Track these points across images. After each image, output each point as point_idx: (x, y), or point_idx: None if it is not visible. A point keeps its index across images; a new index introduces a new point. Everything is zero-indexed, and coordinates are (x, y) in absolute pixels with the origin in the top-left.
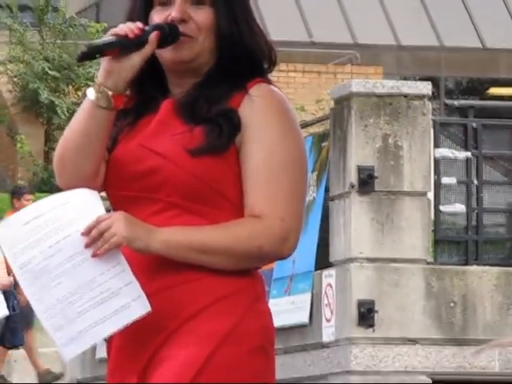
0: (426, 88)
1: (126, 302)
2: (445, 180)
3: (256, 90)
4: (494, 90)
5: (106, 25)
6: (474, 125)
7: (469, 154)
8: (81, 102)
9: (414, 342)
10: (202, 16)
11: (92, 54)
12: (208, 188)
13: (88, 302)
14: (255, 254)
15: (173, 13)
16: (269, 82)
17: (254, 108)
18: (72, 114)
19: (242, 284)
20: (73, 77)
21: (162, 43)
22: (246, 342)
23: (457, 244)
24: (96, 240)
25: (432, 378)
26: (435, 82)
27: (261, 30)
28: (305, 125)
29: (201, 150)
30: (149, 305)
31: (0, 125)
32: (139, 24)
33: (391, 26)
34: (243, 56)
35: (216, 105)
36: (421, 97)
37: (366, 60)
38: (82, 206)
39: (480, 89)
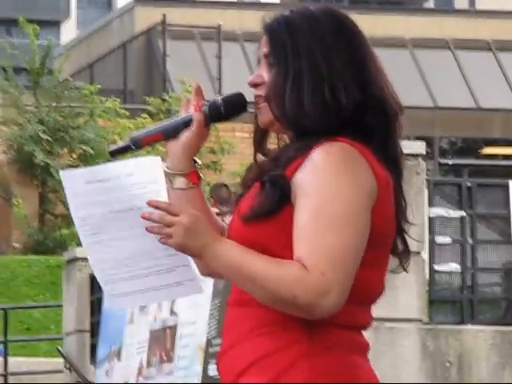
0: (419, 148)
1: (180, 279)
2: (439, 239)
3: (315, 151)
4: (488, 150)
5: (99, 86)
6: (469, 184)
7: (463, 213)
8: (75, 165)
9: None
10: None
11: (125, 147)
12: (261, 250)
13: (143, 269)
14: (289, 302)
15: (251, 77)
16: (342, 139)
17: (306, 167)
18: None
19: (285, 343)
20: (67, 139)
21: (215, 118)
22: None
23: (452, 303)
24: (155, 223)
25: None
26: (429, 141)
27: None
28: None
29: (245, 216)
30: (202, 288)
31: None
32: (200, 102)
33: None
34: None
35: (275, 169)
36: (415, 156)
37: None
38: (145, 182)
39: (474, 148)
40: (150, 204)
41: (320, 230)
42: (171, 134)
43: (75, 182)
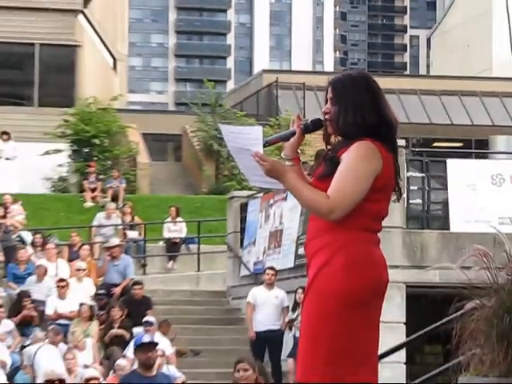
0: (401, 143)
1: (274, 181)
2: (412, 187)
3: (352, 145)
4: (436, 144)
5: (245, 112)
6: (426, 160)
7: (423, 175)
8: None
9: (396, 266)
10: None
11: (264, 144)
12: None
13: (257, 172)
14: (317, 211)
15: (323, 108)
16: (367, 139)
17: (346, 152)
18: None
19: (338, 238)
20: None
21: (307, 131)
22: (333, 267)
23: (418, 218)
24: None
25: (406, 285)
26: (406, 139)
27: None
28: None
29: (318, 176)
30: (282, 186)
31: (193, 161)
32: (299, 123)
33: None
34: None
35: (333, 152)
36: (400, 147)
37: None
38: (254, 139)
39: (429, 143)
40: (256, 154)
41: (342, 180)
42: (285, 139)
43: (226, 131)
